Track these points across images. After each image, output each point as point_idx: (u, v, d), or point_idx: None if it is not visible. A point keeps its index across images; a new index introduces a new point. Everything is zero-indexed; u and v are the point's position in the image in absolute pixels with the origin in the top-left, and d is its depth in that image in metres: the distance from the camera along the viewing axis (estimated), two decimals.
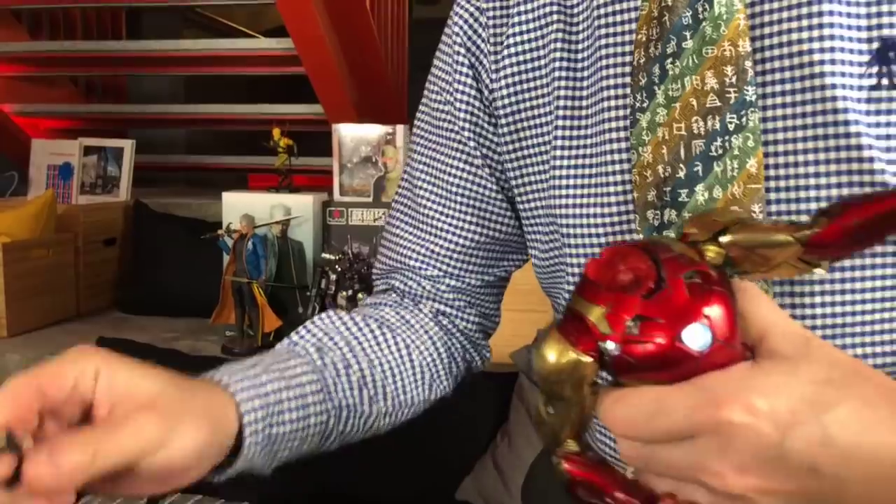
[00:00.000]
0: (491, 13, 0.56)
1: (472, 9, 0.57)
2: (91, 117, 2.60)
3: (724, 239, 0.32)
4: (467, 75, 0.57)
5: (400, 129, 1.72)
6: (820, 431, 0.27)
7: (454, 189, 0.59)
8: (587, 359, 0.31)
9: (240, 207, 1.63)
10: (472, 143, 0.58)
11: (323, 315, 0.58)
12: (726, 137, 0.44)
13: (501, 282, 0.64)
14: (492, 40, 0.56)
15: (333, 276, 1.56)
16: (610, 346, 0.30)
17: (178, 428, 0.39)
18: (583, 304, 0.31)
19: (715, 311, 0.29)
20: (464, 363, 0.64)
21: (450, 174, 0.59)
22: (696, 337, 0.29)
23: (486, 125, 0.58)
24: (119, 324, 1.82)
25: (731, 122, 0.44)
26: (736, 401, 0.28)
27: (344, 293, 1.54)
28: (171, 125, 2.87)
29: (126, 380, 0.39)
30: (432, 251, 0.60)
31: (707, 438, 0.28)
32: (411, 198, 0.62)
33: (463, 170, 0.59)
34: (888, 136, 0.41)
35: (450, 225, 0.60)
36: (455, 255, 0.60)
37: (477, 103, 0.57)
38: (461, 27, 0.57)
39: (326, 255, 1.56)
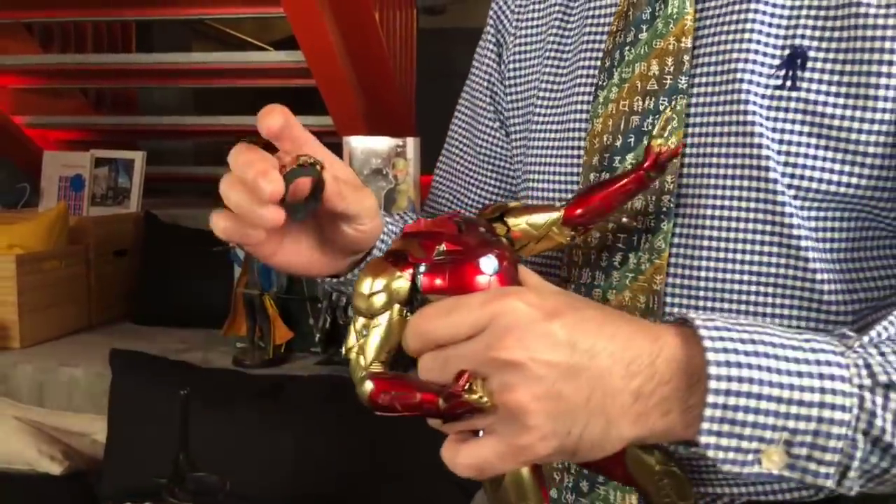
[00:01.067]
0: (516, 8, 0.66)
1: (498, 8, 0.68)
2: (101, 129, 2.61)
3: (508, 218, 0.45)
4: (492, 50, 0.67)
5: (410, 141, 1.72)
6: (577, 317, 0.38)
7: (478, 148, 0.68)
8: (402, 274, 0.39)
9: None
10: (491, 108, 0.67)
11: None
12: (656, 116, 0.52)
13: None
14: (514, 23, 0.66)
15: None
16: (422, 267, 0.39)
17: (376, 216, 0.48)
18: (401, 243, 0.40)
19: (501, 252, 0.40)
20: None
21: (475, 135, 0.68)
22: (488, 263, 0.39)
23: (502, 93, 0.67)
24: (130, 335, 1.82)
25: (662, 104, 0.52)
26: (518, 295, 0.37)
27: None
28: (181, 136, 2.89)
29: (342, 167, 0.47)
30: (462, 202, 0.69)
31: (495, 324, 0.36)
32: (449, 154, 0.72)
33: (484, 131, 0.68)
34: (781, 131, 0.48)
35: (476, 179, 0.68)
36: (482, 201, 0.68)
37: (497, 74, 0.67)
38: (494, 10, 0.68)
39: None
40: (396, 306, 0.39)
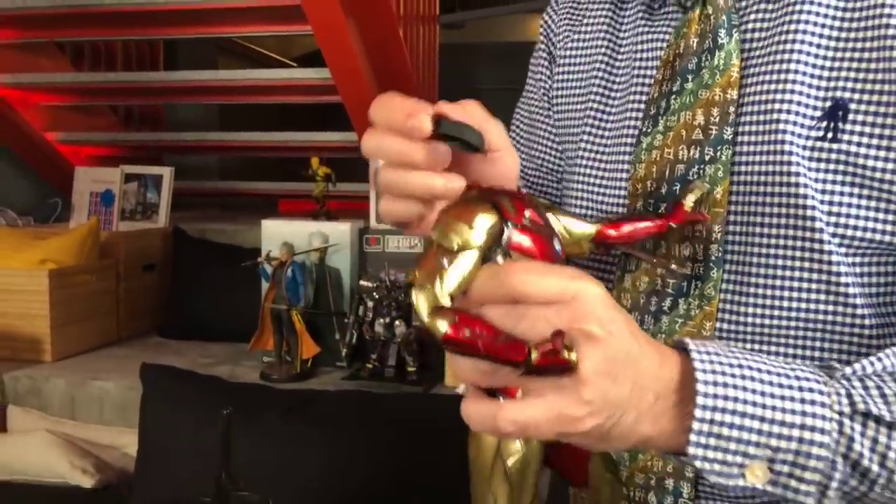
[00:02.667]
0: (563, 19, 0.68)
1: (551, 12, 0.70)
2: (130, 145, 2.66)
3: (550, 213, 0.46)
4: (545, 65, 0.70)
5: None
6: (627, 317, 0.39)
7: (537, 160, 0.71)
8: (499, 222, 0.39)
9: (277, 234, 1.66)
10: (549, 120, 0.69)
11: None
12: (702, 166, 0.54)
13: None
14: (560, 43, 0.67)
15: (371, 303, 1.57)
16: (510, 224, 0.40)
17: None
18: (490, 194, 0.41)
19: (560, 239, 0.43)
20: None
21: (532, 146, 0.70)
22: (559, 245, 0.42)
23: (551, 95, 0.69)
24: (158, 349, 1.85)
25: (707, 154, 0.53)
26: (596, 283, 0.38)
27: (381, 320, 1.56)
28: (207, 152, 2.93)
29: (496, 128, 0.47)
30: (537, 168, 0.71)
31: (581, 298, 0.37)
32: (526, 120, 0.73)
33: (542, 142, 0.70)
34: (824, 181, 0.50)
35: (540, 179, 0.70)
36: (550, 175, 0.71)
37: (551, 74, 0.69)
38: (544, 25, 0.70)
39: (364, 283, 1.58)
40: (479, 250, 0.39)
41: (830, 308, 0.50)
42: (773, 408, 0.40)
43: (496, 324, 0.36)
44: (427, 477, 1.30)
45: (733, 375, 0.40)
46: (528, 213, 0.41)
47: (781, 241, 0.51)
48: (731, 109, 0.53)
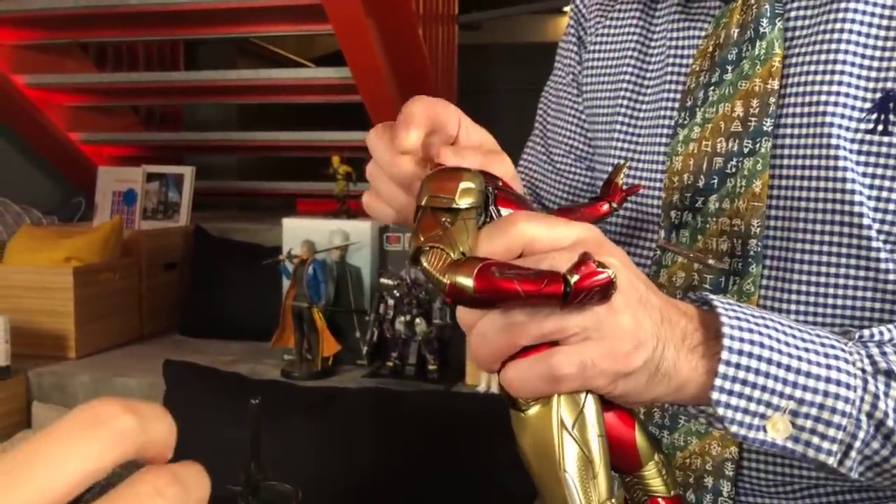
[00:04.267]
0: (595, 4, 0.67)
1: (580, 3, 0.69)
2: (152, 145, 2.69)
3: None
4: (574, 49, 0.68)
5: None
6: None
7: (565, 145, 0.69)
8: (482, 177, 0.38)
9: (298, 233, 1.66)
10: (578, 103, 0.68)
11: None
12: (740, 159, 0.52)
13: None
14: (591, 29, 0.66)
15: (391, 301, 1.57)
16: (494, 190, 0.39)
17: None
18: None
19: None
20: None
21: (559, 130, 0.69)
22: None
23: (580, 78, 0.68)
24: (180, 346, 1.86)
25: (746, 147, 0.52)
26: (594, 228, 0.38)
27: (402, 318, 1.56)
28: (227, 152, 2.95)
29: (477, 132, 0.45)
30: (555, 184, 0.71)
31: (589, 241, 0.36)
32: (542, 135, 0.72)
33: (569, 127, 0.69)
34: (872, 176, 0.48)
35: (568, 167, 0.69)
36: (570, 192, 0.70)
37: (580, 59, 0.68)
38: (574, 11, 0.69)
39: (384, 281, 1.58)
40: (475, 212, 0.37)
41: (877, 306, 0.49)
42: (799, 357, 0.38)
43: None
44: (447, 474, 1.30)
45: (757, 323, 0.39)
46: (500, 182, 0.41)
47: (826, 237, 0.50)
48: (772, 100, 0.51)
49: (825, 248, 0.50)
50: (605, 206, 0.48)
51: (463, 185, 0.37)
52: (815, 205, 0.50)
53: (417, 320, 1.55)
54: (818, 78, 0.50)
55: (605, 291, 0.34)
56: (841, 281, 0.49)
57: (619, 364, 0.35)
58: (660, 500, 0.40)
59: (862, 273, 0.49)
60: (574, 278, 0.33)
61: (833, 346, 0.40)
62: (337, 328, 1.63)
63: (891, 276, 0.48)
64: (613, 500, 0.35)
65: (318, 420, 1.37)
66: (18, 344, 1.62)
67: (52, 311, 1.70)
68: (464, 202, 0.37)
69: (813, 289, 0.50)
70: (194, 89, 2.44)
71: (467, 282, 0.33)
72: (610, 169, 0.61)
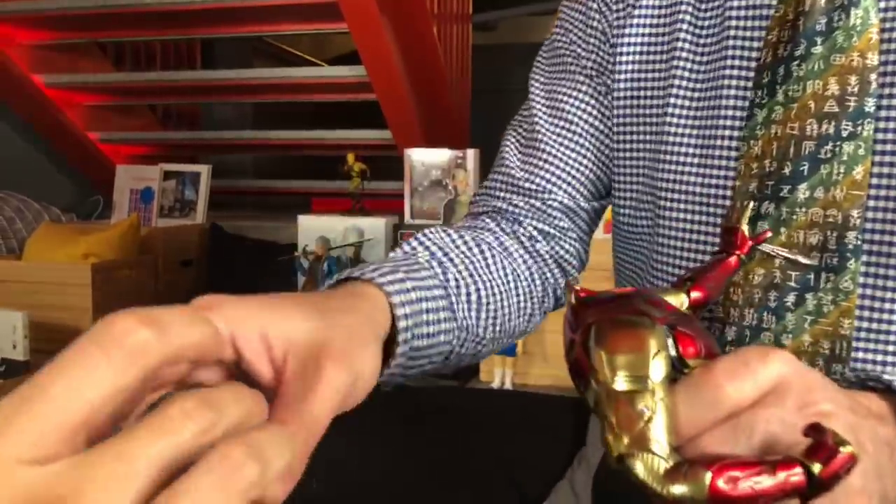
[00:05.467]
0: None
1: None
2: (168, 144, 2.71)
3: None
4: (597, 28, 0.60)
5: (470, 153, 1.74)
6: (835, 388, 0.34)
7: (573, 118, 0.61)
8: (662, 331, 0.32)
9: (313, 230, 1.67)
10: (597, 79, 0.60)
11: (432, 230, 0.56)
12: (838, 143, 0.47)
13: (599, 215, 0.65)
14: (619, 9, 0.58)
15: None
16: (672, 329, 0.33)
17: (359, 362, 0.34)
18: (633, 306, 0.34)
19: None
20: (553, 297, 0.63)
21: (571, 104, 0.61)
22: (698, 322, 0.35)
23: (608, 77, 0.60)
24: None
25: (845, 129, 0.47)
26: (778, 352, 0.33)
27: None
28: (243, 151, 2.97)
29: (278, 333, 0.32)
30: (544, 173, 0.62)
31: (786, 381, 0.31)
32: (527, 127, 0.64)
33: (585, 101, 0.61)
34: None
35: (566, 149, 0.61)
36: (567, 177, 0.62)
37: (605, 55, 0.60)
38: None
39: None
40: (666, 380, 0.31)
41: None
42: None
43: (726, 451, 0.30)
44: (460, 470, 1.30)
45: None
46: (665, 307, 0.35)
47: None
48: (873, 77, 0.46)
49: None
50: (734, 259, 0.43)
51: (653, 348, 0.31)
52: None
53: None
54: None
55: (851, 464, 0.29)
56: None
57: None
58: None
59: None
60: (817, 467, 0.28)
61: None
62: None
63: None
64: None
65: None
66: (37, 340, 1.63)
67: (70, 307, 1.72)
68: (657, 373, 0.30)
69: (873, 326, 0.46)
70: (211, 88, 2.46)
71: (699, 496, 0.29)
72: (666, 167, 0.55)
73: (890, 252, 0.46)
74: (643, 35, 0.58)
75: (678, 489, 0.29)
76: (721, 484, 0.29)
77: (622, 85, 0.59)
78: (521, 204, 0.62)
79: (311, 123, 2.74)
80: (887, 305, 0.47)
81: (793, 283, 0.48)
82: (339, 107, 2.48)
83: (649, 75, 0.57)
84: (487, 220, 0.63)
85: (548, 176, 0.62)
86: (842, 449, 0.28)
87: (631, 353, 0.31)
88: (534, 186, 0.62)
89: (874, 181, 0.47)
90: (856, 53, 0.46)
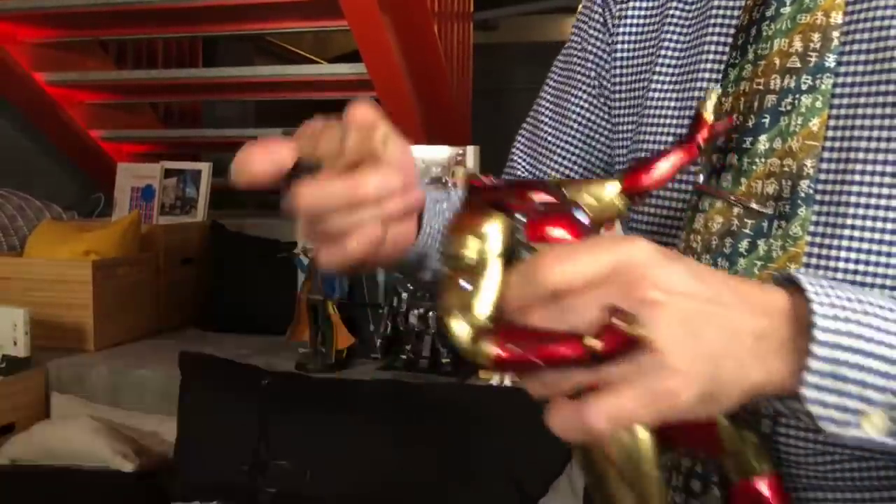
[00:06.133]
0: None
1: None
2: (170, 141, 2.72)
3: (566, 190, 0.41)
4: (598, 21, 0.65)
5: (470, 150, 1.74)
6: (692, 262, 0.38)
7: (572, 116, 0.65)
8: (504, 221, 0.37)
9: None
10: (589, 76, 0.65)
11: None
12: (797, 96, 0.49)
13: None
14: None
15: (405, 295, 1.58)
16: (521, 216, 0.37)
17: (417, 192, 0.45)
18: (492, 194, 0.39)
19: (582, 208, 0.40)
20: None
21: (571, 102, 0.66)
22: (583, 216, 0.39)
23: (607, 64, 0.64)
24: (196, 340, 1.88)
25: (805, 83, 0.49)
26: (636, 241, 0.35)
27: (415, 312, 1.56)
28: None
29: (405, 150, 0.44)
30: (542, 171, 0.67)
31: (622, 268, 0.34)
32: (534, 124, 0.69)
33: (583, 99, 0.65)
34: None
35: (561, 146, 0.66)
36: (567, 172, 0.66)
37: (604, 45, 0.64)
38: None
39: (398, 274, 1.58)
40: (500, 258, 0.35)
41: None
42: None
43: (545, 326, 0.33)
44: (461, 466, 1.30)
45: (854, 310, 0.36)
46: (536, 196, 0.38)
47: (886, 180, 0.46)
48: (835, 35, 0.48)
49: (884, 192, 0.46)
50: (691, 147, 0.45)
51: (481, 235, 0.36)
52: (878, 144, 0.47)
53: (431, 313, 1.55)
54: (888, 13, 0.47)
55: (632, 349, 0.32)
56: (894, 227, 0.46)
57: (664, 406, 0.33)
58: (749, 481, 0.38)
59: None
60: (596, 344, 0.31)
61: None
62: (351, 321, 1.64)
63: None
64: None
65: (333, 411, 1.38)
66: (38, 336, 1.64)
67: (71, 304, 1.72)
68: (473, 254, 0.35)
69: (867, 234, 0.47)
70: (212, 86, 2.47)
71: (487, 357, 0.33)
72: (647, 129, 0.57)
73: (839, 201, 0.48)
74: (639, 17, 0.61)
75: (474, 349, 0.33)
76: (505, 344, 0.33)
77: (619, 63, 0.62)
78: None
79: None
80: (833, 252, 0.48)
81: (747, 231, 0.50)
82: (343, 104, 2.48)
83: (641, 52, 0.61)
84: None
85: (550, 172, 0.66)
86: (626, 331, 0.31)
87: (461, 236, 0.36)
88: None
89: (829, 133, 0.48)
90: (820, 13, 0.49)
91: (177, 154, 2.57)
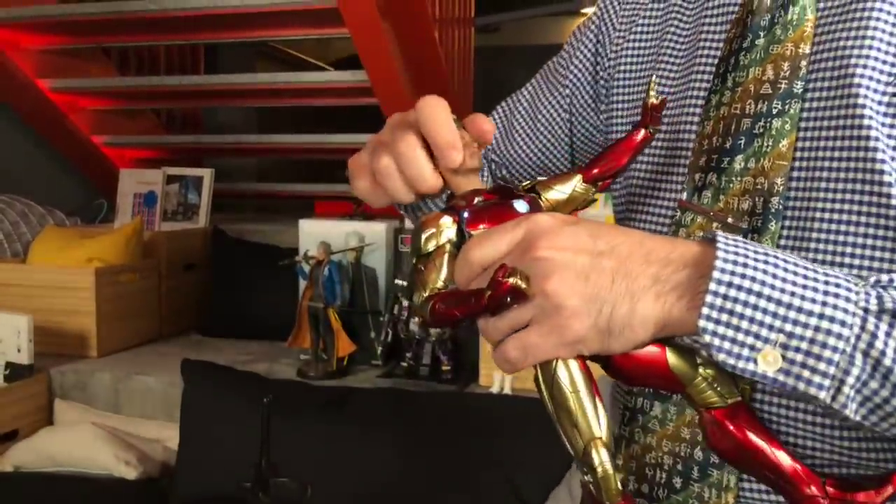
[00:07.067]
0: (626, 10, 0.70)
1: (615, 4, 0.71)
2: (172, 147, 2.73)
3: (540, 189, 0.51)
4: (588, 48, 0.72)
5: None
6: (595, 224, 0.44)
7: (542, 119, 0.75)
8: (450, 218, 0.47)
9: (315, 234, 1.68)
10: (567, 97, 0.73)
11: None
12: (769, 119, 0.54)
13: None
14: (621, 28, 0.69)
15: (406, 302, 1.59)
16: (465, 213, 0.47)
17: None
18: (450, 202, 0.49)
19: (530, 198, 0.48)
20: None
21: (543, 105, 0.75)
22: (521, 204, 0.47)
23: (582, 91, 0.72)
24: (198, 346, 1.89)
25: (775, 108, 0.53)
26: (543, 214, 0.44)
27: (416, 319, 1.57)
28: (246, 154, 2.99)
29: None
30: (504, 150, 0.77)
31: (526, 235, 0.43)
32: (510, 111, 0.78)
33: (555, 110, 0.74)
34: None
35: (523, 139, 0.76)
36: (517, 161, 0.77)
37: (585, 75, 0.72)
38: (600, 6, 0.72)
39: (399, 282, 1.59)
40: (448, 246, 0.46)
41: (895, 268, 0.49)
42: (793, 293, 0.40)
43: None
44: (460, 474, 1.30)
45: (756, 260, 0.40)
46: (480, 197, 0.47)
47: (847, 196, 0.50)
48: (803, 64, 0.53)
49: (846, 207, 0.50)
50: (642, 133, 0.52)
51: (424, 236, 0.47)
52: (839, 164, 0.51)
53: None
54: (849, 43, 0.51)
55: (515, 294, 0.41)
56: (860, 240, 0.50)
57: (559, 337, 0.41)
58: (714, 411, 0.42)
59: (881, 232, 0.49)
60: (487, 293, 0.41)
61: (838, 286, 0.40)
62: (352, 329, 1.65)
63: None
64: (601, 438, 0.41)
65: (333, 419, 1.38)
66: (41, 343, 1.65)
67: (74, 311, 1.73)
68: (429, 247, 0.47)
69: (831, 247, 0.50)
70: (214, 92, 2.48)
71: (425, 316, 0.45)
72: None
73: (806, 216, 0.52)
74: (638, 48, 0.67)
75: (420, 309, 0.45)
76: (434, 306, 0.44)
77: (617, 90, 0.68)
78: (497, 159, 0.79)
79: (318, 127, 2.75)
80: None
81: None
82: (347, 110, 2.49)
83: (639, 79, 0.66)
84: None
85: (509, 156, 0.77)
86: (504, 280, 0.40)
87: (417, 234, 0.47)
88: (499, 160, 0.78)
89: (798, 153, 0.53)
90: (790, 44, 0.53)
91: (180, 160, 2.58)
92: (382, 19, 1.81)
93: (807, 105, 0.53)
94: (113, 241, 1.83)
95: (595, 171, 0.52)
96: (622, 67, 0.67)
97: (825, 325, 0.39)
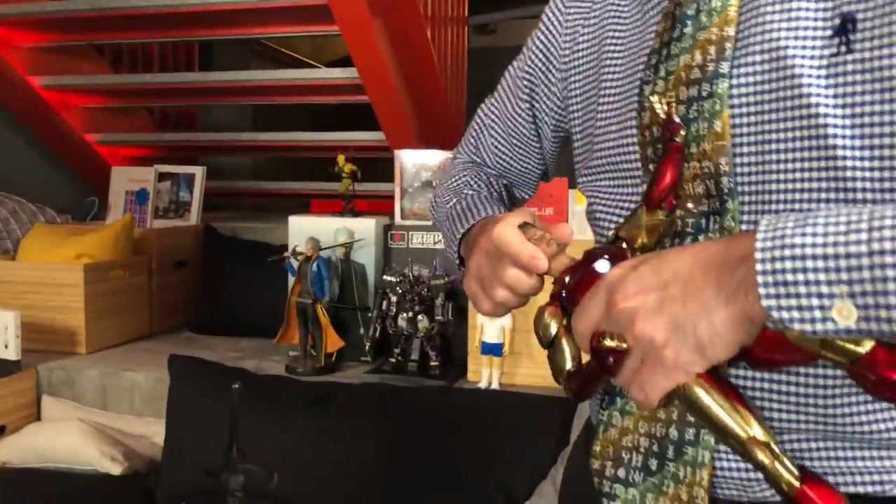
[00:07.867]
0: (571, 19, 0.73)
1: (557, 13, 0.75)
2: (165, 145, 2.72)
3: (620, 233, 0.55)
4: (541, 48, 0.75)
5: None
6: (657, 256, 0.48)
7: (508, 122, 0.79)
8: (551, 304, 0.54)
9: (305, 231, 1.68)
10: (525, 97, 0.76)
11: (469, 179, 0.79)
12: (700, 103, 0.55)
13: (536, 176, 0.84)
14: (567, 36, 0.72)
15: (394, 298, 1.58)
16: (563, 295, 0.53)
17: None
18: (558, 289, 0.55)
19: (613, 252, 0.52)
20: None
21: (507, 113, 0.79)
22: (602, 264, 0.51)
23: (542, 85, 0.74)
24: (188, 343, 1.89)
25: (704, 91, 0.55)
26: (615, 268, 0.49)
27: (404, 314, 1.56)
28: (240, 152, 2.98)
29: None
30: (485, 158, 0.82)
31: (605, 294, 0.48)
32: (484, 116, 0.82)
33: (519, 107, 0.77)
34: (843, 95, 0.50)
35: (492, 144, 0.80)
36: (497, 166, 0.82)
37: (539, 72, 0.75)
38: (547, 19, 0.76)
39: (388, 278, 1.59)
40: (563, 330, 0.53)
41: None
42: (835, 243, 0.40)
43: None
44: (447, 469, 1.30)
45: (794, 228, 0.41)
46: (568, 276, 0.53)
47: (798, 164, 0.51)
48: (728, 46, 0.54)
49: (798, 175, 0.51)
50: (674, 145, 0.55)
51: (541, 332, 0.55)
52: (787, 134, 0.52)
53: (420, 317, 1.55)
54: (775, 17, 0.52)
55: (614, 353, 0.46)
56: (815, 206, 0.51)
57: (665, 368, 0.45)
58: (862, 358, 0.41)
59: (832, 195, 0.50)
60: (594, 363, 0.48)
61: (883, 217, 0.40)
62: (341, 325, 1.64)
63: (868, 196, 0.49)
64: (754, 437, 0.44)
65: (321, 414, 1.38)
66: (31, 339, 1.65)
67: (63, 307, 1.73)
68: (549, 337, 0.54)
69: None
70: (208, 90, 2.48)
71: (569, 390, 0.53)
72: (597, 154, 0.65)
73: (762, 189, 0.53)
74: (585, 46, 0.69)
75: (564, 387, 0.53)
76: (572, 386, 0.52)
77: (573, 79, 0.71)
78: (479, 161, 0.84)
79: (313, 125, 2.75)
80: None
81: (689, 229, 0.55)
82: (341, 108, 2.49)
83: (590, 70, 0.68)
84: (468, 167, 0.83)
85: (490, 164, 0.82)
86: (602, 343, 0.46)
87: (538, 330, 0.55)
88: (479, 160, 0.83)
89: (735, 131, 0.54)
90: (715, 28, 0.55)
91: (173, 158, 2.58)
92: (373, 16, 1.81)
93: (739, 82, 0.54)
94: (102, 238, 1.83)
95: (653, 196, 0.55)
96: (572, 75, 0.70)
97: (877, 260, 0.39)
